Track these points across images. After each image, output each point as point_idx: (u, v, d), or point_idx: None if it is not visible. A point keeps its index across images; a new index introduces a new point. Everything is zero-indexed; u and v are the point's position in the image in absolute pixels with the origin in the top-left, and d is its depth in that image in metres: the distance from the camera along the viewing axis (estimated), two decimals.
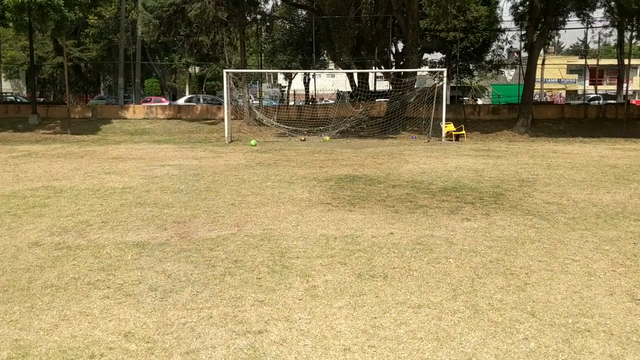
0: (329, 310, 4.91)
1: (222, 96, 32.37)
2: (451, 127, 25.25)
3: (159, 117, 32.79)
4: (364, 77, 36.51)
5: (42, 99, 50.72)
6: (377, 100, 32.89)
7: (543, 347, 4.22)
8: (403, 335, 4.43)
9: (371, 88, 36.81)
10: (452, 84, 40.33)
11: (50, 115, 31.90)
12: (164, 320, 4.70)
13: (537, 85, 42.35)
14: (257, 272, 5.96)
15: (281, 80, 67.31)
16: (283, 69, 44.35)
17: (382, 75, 42.22)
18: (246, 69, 33.32)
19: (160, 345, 4.25)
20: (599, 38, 71.01)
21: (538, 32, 29.04)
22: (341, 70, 39.13)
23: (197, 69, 47.92)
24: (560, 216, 8.69)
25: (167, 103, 39.12)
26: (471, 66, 43.17)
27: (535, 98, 40.05)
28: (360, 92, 30.72)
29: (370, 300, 5.16)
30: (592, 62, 50.64)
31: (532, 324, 4.62)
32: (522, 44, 35.44)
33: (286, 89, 56.16)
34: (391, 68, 35.42)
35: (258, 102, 35.84)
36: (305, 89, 47.86)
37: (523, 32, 34.74)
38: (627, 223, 8.24)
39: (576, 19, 37.14)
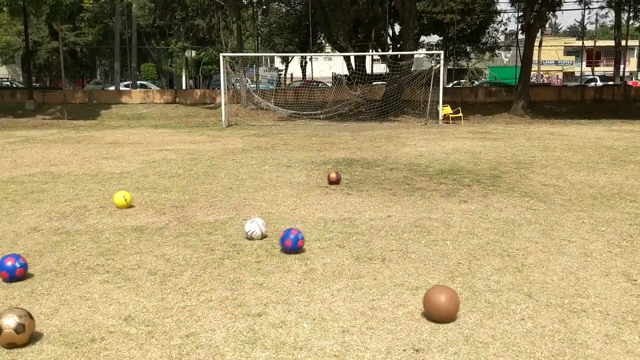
0: (327, 293, 4.94)
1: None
2: (448, 109, 25.21)
3: (156, 102, 32.68)
4: (361, 60, 36.34)
5: (38, 84, 50.46)
6: (374, 83, 32.80)
7: (539, 327, 4.26)
8: (401, 316, 4.46)
9: (368, 71, 36.67)
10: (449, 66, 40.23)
11: (47, 100, 31.78)
12: (163, 304, 4.73)
13: (534, 67, 42.25)
14: (255, 255, 5.99)
15: (278, 63, 67.10)
16: (280, 52, 44.13)
17: (379, 58, 42.06)
18: (243, 52, 33.16)
19: (160, 328, 4.28)
20: (596, 19, 70.83)
21: (535, 13, 28.91)
22: (338, 53, 38.96)
23: (194, 53, 47.68)
24: (557, 198, 8.73)
25: None
26: (468, 48, 43.04)
27: (532, 80, 39.96)
28: (357, 75, 30.61)
29: (368, 282, 5.20)
30: (589, 43, 50.48)
31: (528, 305, 4.66)
32: (519, 25, 35.29)
33: (283, 72, 55.97)
34: (388, 51, 35.26)
35: (255, 85, 35.73)
36: (302, 72, 47.68)
37: (520, 14, 34.58)
38: (623, 204, 8.28)
39: None
